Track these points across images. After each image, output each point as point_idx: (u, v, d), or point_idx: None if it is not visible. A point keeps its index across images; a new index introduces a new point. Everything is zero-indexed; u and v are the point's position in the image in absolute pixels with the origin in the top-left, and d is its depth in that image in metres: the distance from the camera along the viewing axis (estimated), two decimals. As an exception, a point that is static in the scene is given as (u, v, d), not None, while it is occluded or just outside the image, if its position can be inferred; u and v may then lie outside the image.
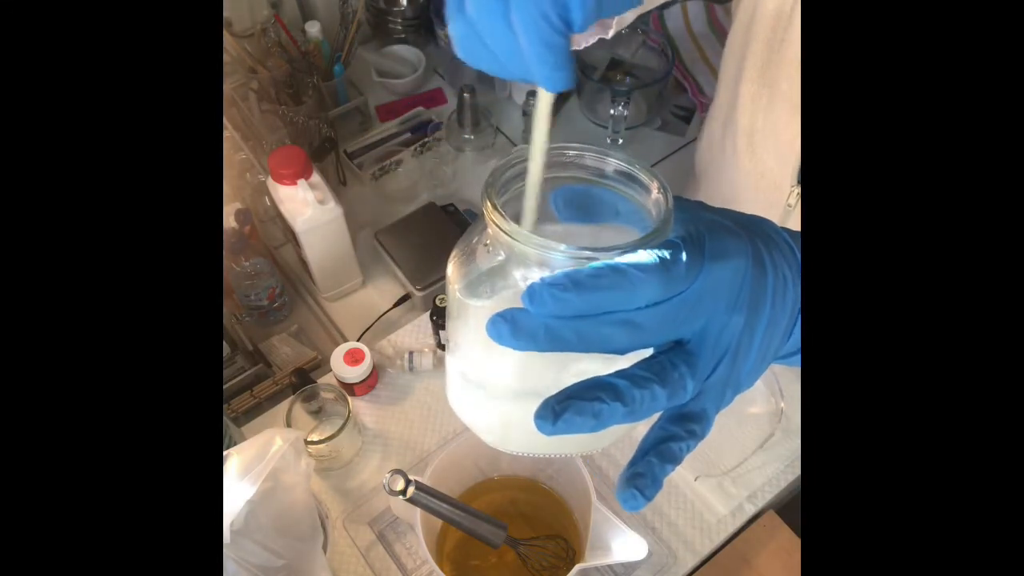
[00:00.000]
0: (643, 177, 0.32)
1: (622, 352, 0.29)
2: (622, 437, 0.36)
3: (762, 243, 0.32)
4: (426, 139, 1.13)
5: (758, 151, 0.79)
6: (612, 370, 0.30)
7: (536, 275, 0.30)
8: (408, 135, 1.15)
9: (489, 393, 0.35)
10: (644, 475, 0.30)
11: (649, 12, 1.26)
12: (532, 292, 0.27)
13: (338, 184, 1.11)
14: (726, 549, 0.79)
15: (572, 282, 0.27)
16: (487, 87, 1.21)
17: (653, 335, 0.29)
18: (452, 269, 0.34)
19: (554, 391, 0.29)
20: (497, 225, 0.30)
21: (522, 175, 0.33)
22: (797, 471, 0.81)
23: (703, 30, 1.20)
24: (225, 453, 0.64)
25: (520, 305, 0.28)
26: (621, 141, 1.16)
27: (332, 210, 0.89)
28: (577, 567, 0.65)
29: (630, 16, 0.64)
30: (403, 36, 1.25)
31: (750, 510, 0.80)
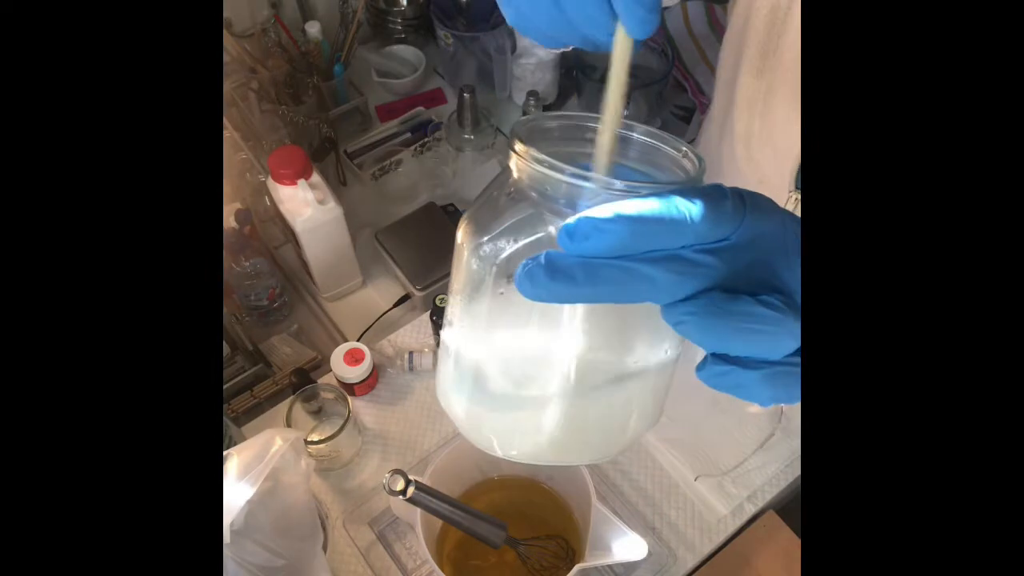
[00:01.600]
0: (670, 148, 0.31)
1: (663, 302, 0.27)
2: (631, 444, 0.33)
3: (783, 210, 0.31)
4: (426, 139, 1.13)
5: (755, 156, 0.79)
6: (630, 363, 0.28)
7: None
8: (408, 135, 1.15)
9: (489, 388, 0.31)
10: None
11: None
12: (570, 228, 0.24)
13: (338, 184, 1.11)
14: (726, 549, 0.79)
15: (617, 213, 0.24)
16: (487, 87, 1.21)
17: (700, 279, 0.26)
18: (463, 234, 0.31)
19: (565, 389, 0.27)
20: (535, 162, 0.27)
21: (546, 133, 0.31)
22: (797, 471, 0.81)
23: (703, 30, 1.20)
24: (225, 453, 0.64)
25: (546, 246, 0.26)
26: (621, 141, 1.16)
27: (332, 210, 0.89)
28: (577, 567, 0.65)
29: None
30: (403, 36, 1.25)
31: (750, 510, 0.80)
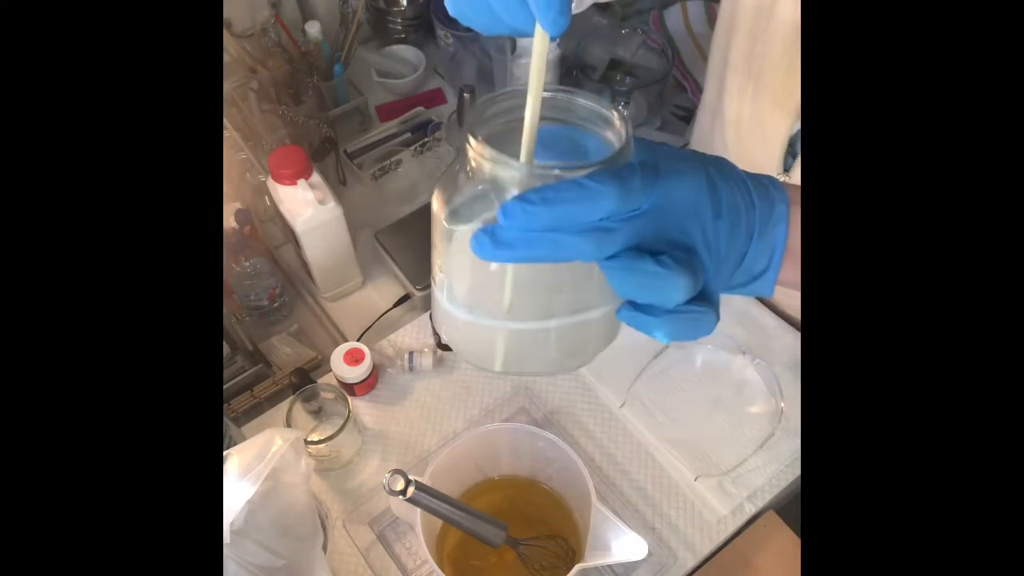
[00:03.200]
0: (607, 113, 0.36)
1: (589, 261, 0.33)
2: (599, 348, 0.39)
3: (716, 172, 0.35)
4: (426, 139, 1.13)
5: (745, 140, 0.80)
6: (590, 297, 0.35)
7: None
8: (408, 135, 1.15)
9: (477, 315, 0.38)
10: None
11: (649, 12, 1.26)
12: (505, 208, 0.31)
13: (338, 184, 1.11)
14: (726, 549, 0.79)
15: (539, 197, 0.31)
16: (487, 87, 1.21)
17: (617, 245, 0.33)
18: (436, 202, 0.38)
19: (536, 311, 0.35)
20: (479, 153, 0.33)
21: (503, 113, 0.36)
22: (797, 471, 0.81)
23: (703, 30, 1.20)
24: (225, 453, 0.64)
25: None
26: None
27: (332, 210, 0.89)
28: (577, 567, 0.65)
29: None
30: (403, 36, 1.25)
31: (750, 510, 0.80)
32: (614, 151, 0.34)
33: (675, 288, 0.33)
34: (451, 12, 0.38)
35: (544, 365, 0.40)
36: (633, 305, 0.35)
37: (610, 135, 0.36)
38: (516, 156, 0.34)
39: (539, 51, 0.34)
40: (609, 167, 0.32)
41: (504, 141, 0.35)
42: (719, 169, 0.36)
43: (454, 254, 0.37)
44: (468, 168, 0.35)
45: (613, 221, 0.32)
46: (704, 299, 0.34)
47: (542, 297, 0.36)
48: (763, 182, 0.37)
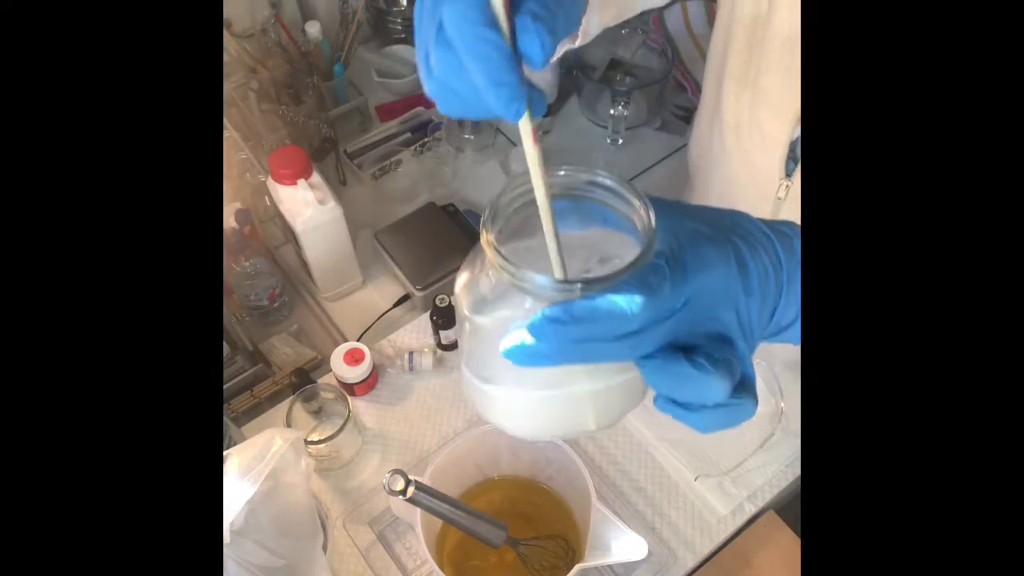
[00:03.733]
0: (628, 196, 0.35)
1: (629, 359, 0.33)
2: (633, 407, 0.39)
3: (742, 241, 0.34)
4: (426, 139, 1.13)
5: (745, 147, 0.80)
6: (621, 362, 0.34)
7: (534, 304, 0.33)
8: (408, 135, 1.15)
9: (510, 393, 0.38)
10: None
11: (649, 12, 1.26)
12: (535, 328, 0.30)
13: (338, 184, 1.11)
14: (726, 549, 0.79)
15: (571, 317, 0.30)
16: None
17: (652, 346, 0.32)
18: (460, 286, 0.37)
19: (571, 385, 0.34)
20: (497, 263, 0.32)
21: (522, 198, 0.35)
22: (797, 471, 0.81)
23: (703, 30, 1.20)
24: (225, 453, 0.64)
25: (523, 319, 0.31)
26: (621, 141, 1.16)
27: (332, 210, 0.89)
28: (577, 567, 0.65)
29: (594, 29, 0.64)
30: (403, 36, 1.25)
31: (750, 510, 0.80)
32: (641, 251, 0.32)
33: (713, 390, 0.32)
34: (440, 110, 0.37)
35: (573, 429, 0.39)
36: (669, 399, 0.34)
37: (630, 211, 0.35)
38: (538, 250, 0.33)
39: (524, 138, 0.33)
40: (636, 270, 0.31)
41: (526, 227, 0.35)
42: (744, 237, 0.35)
43: (481, 342, 0.37)
44: (488, 266, 0.34)
45: (644, 331, 0.31)
46: (742, 386, 0.34)
47: (572, 368, 0.35)
48: (785, 232, 0.36)
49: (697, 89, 1.21)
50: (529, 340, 0.31)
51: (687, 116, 1.21)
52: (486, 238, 0.33)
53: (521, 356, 0.31)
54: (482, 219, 0.34)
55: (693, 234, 0.34)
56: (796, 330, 0.36)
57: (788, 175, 0.76)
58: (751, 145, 0.78)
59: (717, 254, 0.33)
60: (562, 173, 0.35)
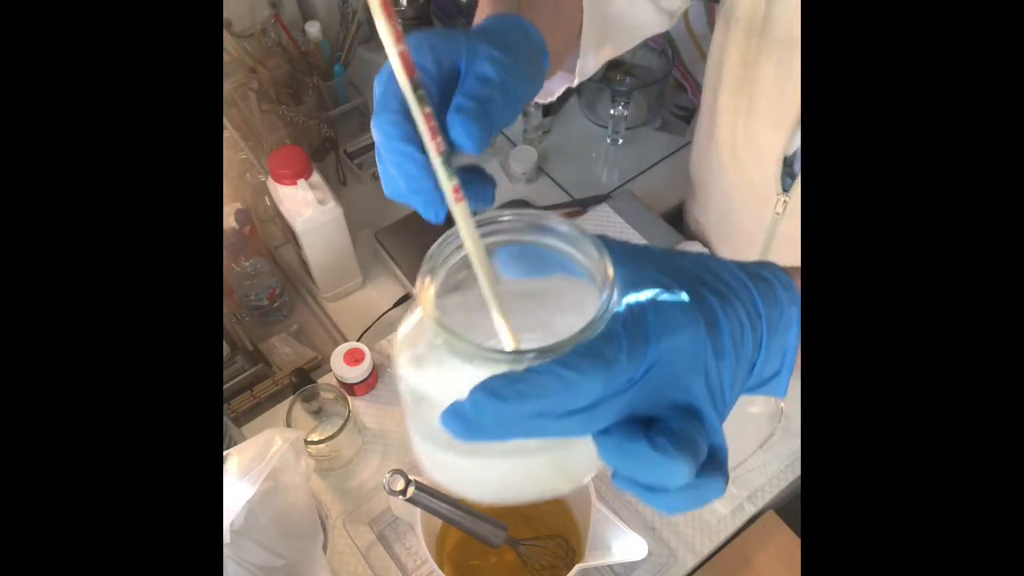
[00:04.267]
0: (583, 244, 0.32)
1: (583, 435, 0.30)
2: (598, 471, 0.35)
3: (713, 295, 0.31)
4: (426, 139, 1.12)
5: (742, 162, 0.80)
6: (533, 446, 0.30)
7: (477, 370, 0.29)
8: (408, 135, 1.15)
9: (456, 459, 0.34)
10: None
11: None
12: (474, 400, 0.27)
13: (338, 184, 1.11)
14: (726, 549, 0.79)
15: (514, 391, 0.27)
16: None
17: (608, 420, 0.29)
18: (400, 338, 0.34)
19: (526, 454, 0.31)
20: (432, 324, 0.29)
21: (459, 252, 0.32)
22: (797, 471, 0.81)
23: (703, 30, 1.20)
24: (225, 453, 0.64)
25: (463, 385, 0.28)
26: (621, 141, 1.16)
27: (332, 210, 0.89)
28: (577, 567, 0.65)
29: (591, 69, 0.67)
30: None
31: (750, 510, 0.80)
32: (595, 313, 0.29)
33: (675, 473, 0.29)
34: (388, 194, 0.38)
35: (534, 494, 0.35)
36: (628, 479, 0.30)
37: (587, 259, 0.32)
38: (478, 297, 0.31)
39: (462, 227, 0.31)
40: (589, 336, 0.28)
41: (473, 278, 0.32)
42: (716, 289, 0.31)
43: (418, 397, 0.33)
44: (428, 332, 0.31)
45: (597, 405, 0.28)
46: (711, 462, 0.31)
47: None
48: (766, 277, 0.33)
49: (697, 89, 1.21)
50: (469, 413, 0.28)
51: (687, 116, 1.21)
52: (423, 293, 0.30)
53: (460, 430, 0.28)
54: (420, 271, 0.31)
55: (658, 289, 0.31)
56: (780, 382, 0.34)
57: (785, 190, 0.77)
58: (748, 161, 0.79)
59: (684, 314, 0.30)
60: (507, 218, 0.32)
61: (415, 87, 0.30)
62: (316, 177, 0.89)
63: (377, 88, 0.38)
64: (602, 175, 1.14)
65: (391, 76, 0.36)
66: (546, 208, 1.08)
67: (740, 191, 0.83)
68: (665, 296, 0.30)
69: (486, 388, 0.27)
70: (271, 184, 0.89)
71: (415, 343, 0.33)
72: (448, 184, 0.32)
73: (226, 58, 1.05)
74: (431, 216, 0.35)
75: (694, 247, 0.97)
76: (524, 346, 0.32)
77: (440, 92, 0.37)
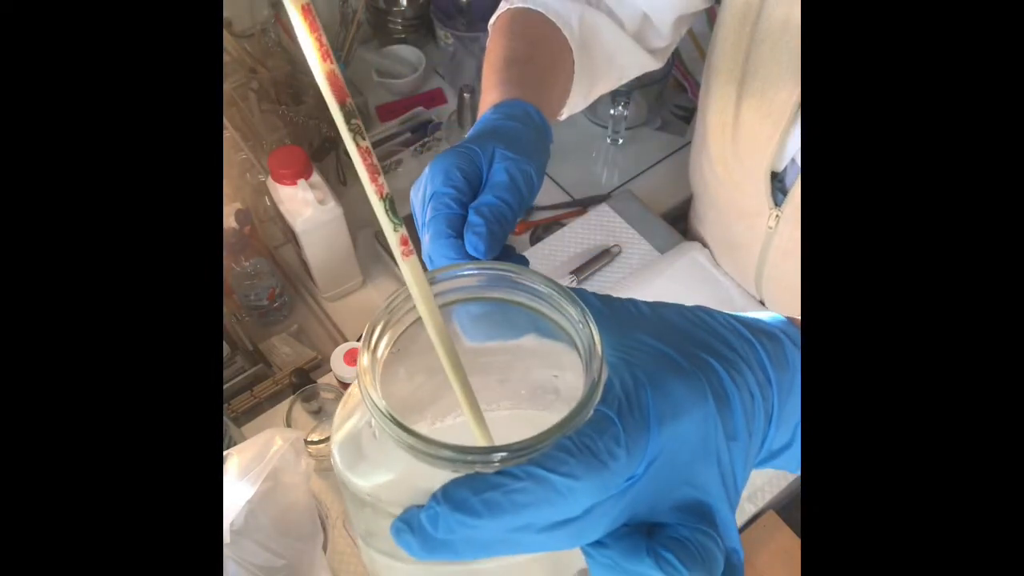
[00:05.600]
0: (562, 304, 0.26)
1: (571, 548, 0.24)
2: None
3: (719, 362, 0.26)
4: (426, 139, 1.13)
5: (734, 177, 0.81)
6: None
7: (433, 472, 0.23)
8: (408, 135, 1.15)
9: (417, 566, 0.28)
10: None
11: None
12: (432, 516, 0.22)
13: (338, 184, 1.11)
14: (726, 549, 0.79)
15: (484, 504, 0.22)
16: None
17: (602, 530, 0.24)
18: (335, 430, 0.28)
19: (498, 560, 0.24)
20: (376, 417, 0.24)
21: (403, 313, 0.26)
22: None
23: (703, 30, 1.20)
24: (225, 453, 0.64)
25: (417, 491, 0.23)
26: (621, 141, 1.16)
27: (332, 210, 0.89)
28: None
29: (580, 106, 0.71)
30: (403, 36, 1.25)
31: (750, 510, 0.80)
32: (582, 396, 0.23)
33: None
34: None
35: None
36: None
37: (566, 326, 0.26)
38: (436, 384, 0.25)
39: (413, 286, 0.25)
40: (575, 428, 0.22)
41: (428, 346, 0.25)
42: (720, 353, 0.26)
43: (359, 505, 0.27)
44: (373, 427, 0.25)
45: (588, 513, 0.23)
46: (728, 572, 0.26)
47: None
48: (772, 333, 0.29)
49: (697, 89, 1.21)
50: (427, 528, 0.22)
51: (687, 116, 1.21)
52: (364, 372, 0.24)
53: (416, 547, 0.22)
54: (362, 342, 0.25)
55: (654, 359, 0.25)
56: (793, 456, 0.29)
57: (777, 204, 0.78)
58: (740, 176, 0.80)
59: (689, 390, 0.25)
60: (468, 272, 0.27)
61: (348, 116, 0.24)
62: (316, 177, 0.89)
63: (415, 199, 0.42)
64: (602, 175, 1.14)
65: (435, 195, 0.39)
66: (547, 208, 1.08)
67: (734, 205, 0.84)
68: (664, 368, 0.25)
69: (449, 498, 0.22)
70: (271, 184, 0.89)
71: (356, 432, 0.27)
72: (394, 235, 0.25)
73: (226, 58, 1.05)
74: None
75: (694, 247, 0.97)
76: (493, 426, 0.25)
77: (475, 197, 0.40)
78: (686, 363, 0.26)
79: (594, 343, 0.24)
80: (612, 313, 0.27)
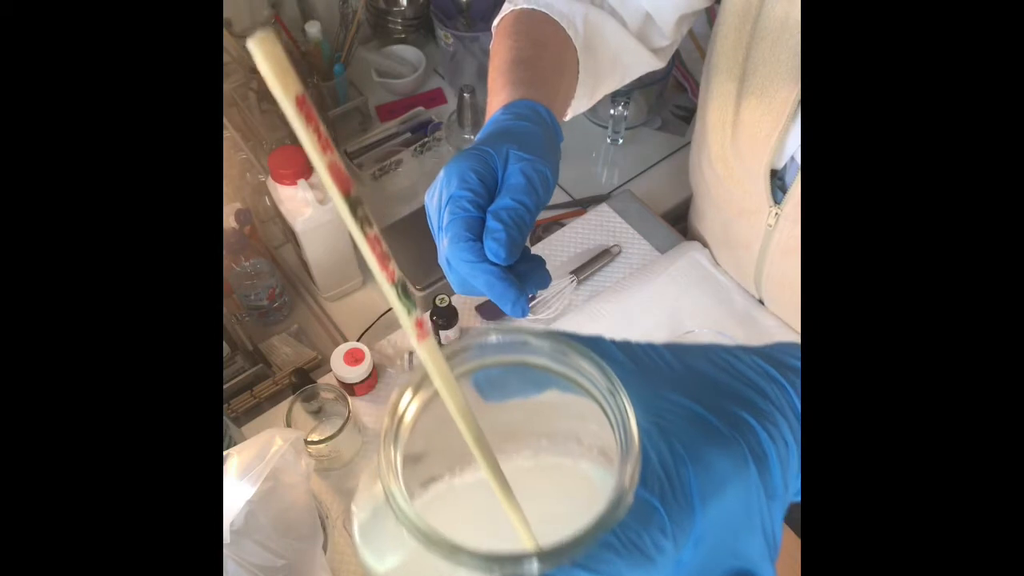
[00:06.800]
0: (590, 372, 0.24)
1: None
2: None
3: (750, 414, 0.25)
4: (426, 139, 1.13)
5: (734, 174, 0.81)
6: None
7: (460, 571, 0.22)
8: (408, 135, 1.15)
9: None
10: None
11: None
12: None
13: (338, 184, 1.11)
14: (726, 549, 0.79)
15: None
16: (487, 87, 1.21)
17: None
18: (356, 514, 0.27)
19: None
20: (399, 516, 0.22)
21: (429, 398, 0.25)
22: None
23: (703, 30, 1.20)
24: (225, 453, 0.64)
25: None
26: (621, 141, 1.16)
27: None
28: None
29: (584, 108, 0.73)
30: (403, 36, 1.25)
31: (750, 510, 0.80)
32: (619, 490, 0.21)
33: None
34: (458, 292, 0.46)
35: None
36: None
37: (586, 383, 0.24)
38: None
39: (433, 370, 0.24)
40: (614, 521, 0.21)
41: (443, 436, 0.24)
42: (752, 404, 0.25)
43: None
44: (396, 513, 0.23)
45: None
46: None
47: None
48: (793, 365, 0.28)
49: (697, 89, 1.21)
50: None
51: (687, 116, 1.21)
52: (387, 467, 0.23)
53: None
54: (382, 438, 0.24)
55: (690, 424, 0.24)
56: (797, 488, 0.28)
57: (777, 202, 0.78)
58: (742, 174, 0.80)
59: (729, 459, 0.24)
60: (493, 339, 0.26)
61: (353, 207, 0.23)
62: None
63: (430, 204, 0.44)
64: (602, 175, 1.14)
65: (452, 199, 0.42)
66: (547, 208, 1.08)
67: (735, 204, 0.84)
68: (702, 436, 0.24)
69: None
70: (271, 184, 0.89)
71: (379, 513, 0.25)
72: (408, 319, 0.24)
73: (226, 58, 1.05)
74: (517, 314, 0.41)
75: (694, 247, 0.97)
76: (517, 477, 0.24)
77: (491, 200, 0.43)
78: (723, 427, 0.24)
79: (626, 421, 0.22)
80: (638, 368, 0.26)
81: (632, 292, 0.93)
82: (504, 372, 0.26)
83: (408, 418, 0.25)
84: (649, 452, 0.23)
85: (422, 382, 0.25)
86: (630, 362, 0.26)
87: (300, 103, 0.20)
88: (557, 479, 0.23)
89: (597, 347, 0.25)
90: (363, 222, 0.23)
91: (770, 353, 0.28)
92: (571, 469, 0.23)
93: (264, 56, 0.18)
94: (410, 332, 0.24)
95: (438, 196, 0.43)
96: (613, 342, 0.26)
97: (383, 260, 0.24)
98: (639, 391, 0.24)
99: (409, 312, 0.24)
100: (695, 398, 0.25)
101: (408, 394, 0.25)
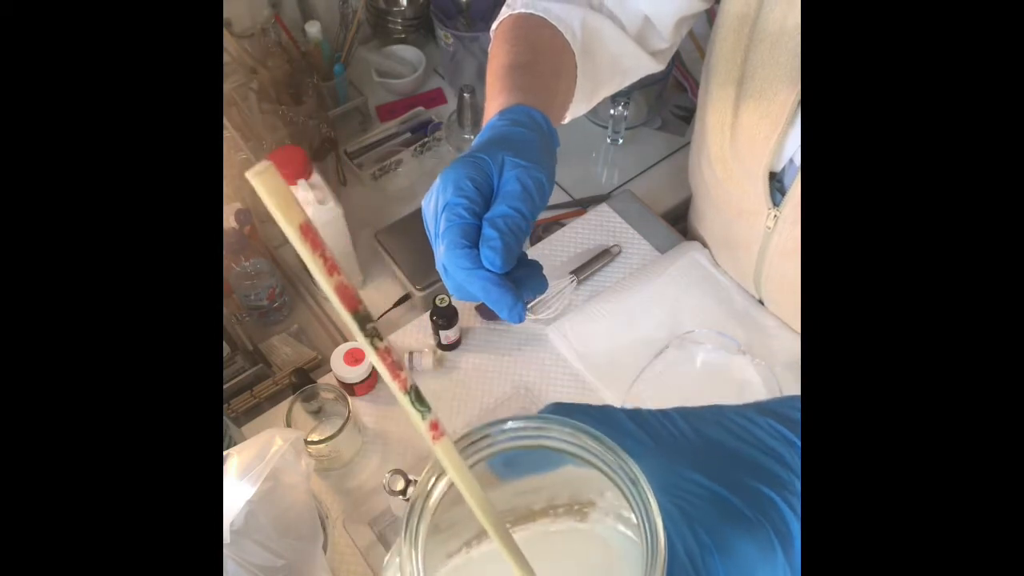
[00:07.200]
0: (608, 461, 0.24)
1: None
2: None
3: (771, 489, 0.26)
4: (426, 139, 1.13)
5: (733, 176, 0.81)
6: None
7: None
8: (408, 135, 1.15)
9: None
10: None
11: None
12: None
13: (338, 184, 1.11)
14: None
15: None
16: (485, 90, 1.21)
17: None
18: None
19: None
20: None
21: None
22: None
23: (703, 30, 1.20)
24: (225, 453, 0.64)
25: None
26: (621, 141, 1.16)
27: (332, 210, 0.89)
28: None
29: (583, 110, 0.73)
30: (403, 36, 1.25)
31: (750, 510, 0.80)
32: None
33: None
34: (456, 298, 0.46)
35: None
36: None
37: (603, 467, 0.25)
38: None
39: (449, 467, 0.25)
40: None
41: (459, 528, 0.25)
42: (773, 477, 0.25)
43: None
44: None
45: None
46: None
47: None
48: (796, 419, 0.27)
49: (697, 89, 1.21)
50: None
51: (687, 116, 1.21)
52: (408, 560, 0.24)
53: None
54: (402, 525, 0.25)
55: (712, 507, 0.24)
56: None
57: (776, 204, 0.78)
58: (740, 176, 0.80)
59: (757, 547, 0.24)
60: (510, 425, 0.26)
61: (362, 323, 0.23)
62: (316, 177, 0.89)
63: (427, 210, 0.44)
64: (602, 175, 1.14)
65: (448, 206, 0.42)
66: (547, 208, 1.08)
67: (734, 206, 0.85)
68: (727, 522, 0.23)
69: None
70: (271, 184, 0.89)
71: None
72: (422, 423, 0.25)
73: (226, 58, 1.05)
74: (515, 320, 0.42)
75: (694, 247, 0.97)
76: (533, 543, 0.25)
77: (487, 206, 0.44)
78: (747, 508, 0.24)
79: (651, 516, 0.22)
80: (653, 441, 0.26)
81: (632, 292, 0.93)
82: (520, 453, 0.27)
83: (431, 502, 0.26)
84: (674, 541, 0.23)
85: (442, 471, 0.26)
86: (644, 434, 0.26)
87: (304, 230, 0.20)
88: (575, 544, 0.24)
89: (609, 419, 0.25)
90: (372, 336, 0.24)
91: (781, 411, 0.28)
92: (588, 534, 0.23)
93: (266, 189, 0.19)
94: (425, 435, 0.25)
95: (434, 203, 0.44)
96: (624, 411, 0.26)
97: (394, 371, 0.24)
98: (656, 469, 0.24)
99: (423, 416, 0.25)
100: (714, 476, 0.25)
101: (431, 479, 0.26)
